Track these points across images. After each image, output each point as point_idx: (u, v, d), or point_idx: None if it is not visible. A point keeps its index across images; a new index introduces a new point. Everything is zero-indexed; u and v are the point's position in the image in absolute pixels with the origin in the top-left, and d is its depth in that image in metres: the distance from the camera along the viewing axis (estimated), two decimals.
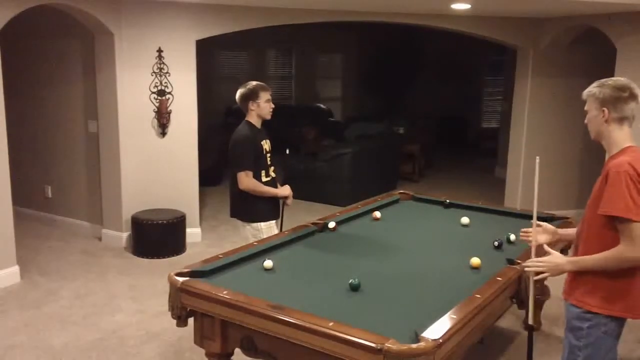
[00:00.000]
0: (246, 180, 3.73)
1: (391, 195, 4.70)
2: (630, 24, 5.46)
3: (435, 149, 10.38)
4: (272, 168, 3.92)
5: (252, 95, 3.77)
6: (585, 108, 2.42)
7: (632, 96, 2.31)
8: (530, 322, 2.81)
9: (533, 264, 2.53)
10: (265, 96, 3.78)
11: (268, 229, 3.84)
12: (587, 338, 2.38)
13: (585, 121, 2.44)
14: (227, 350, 2.76)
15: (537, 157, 2.70)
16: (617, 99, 2.31)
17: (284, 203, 3.96)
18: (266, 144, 3.87)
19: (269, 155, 3.88)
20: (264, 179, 3.81)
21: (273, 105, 3.85)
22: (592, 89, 2.38)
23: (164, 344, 3.89)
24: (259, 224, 3.81)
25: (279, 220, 4.02)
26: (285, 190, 3.92)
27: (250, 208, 3.82)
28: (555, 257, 2.47)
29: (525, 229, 2.82)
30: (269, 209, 3.88)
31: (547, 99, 6.68)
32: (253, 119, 3.82)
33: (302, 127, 10.06)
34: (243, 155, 3.73)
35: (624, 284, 2.32)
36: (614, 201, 2.22)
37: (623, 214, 2.19)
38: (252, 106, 3.78)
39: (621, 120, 2.33)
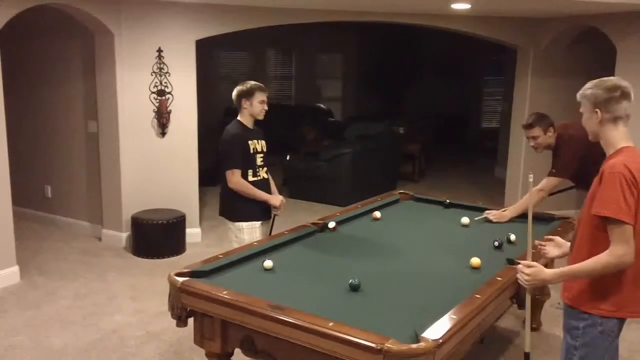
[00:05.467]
0: (233, 179, 3.72)
1: (391, 195, 4.70)
2: (630, 24, 5.46)
3: (435, 149, 10.37)
4: (265, 169, 3.88)
5: (246, 94, 3.76)
6: (580, 110, 2.41)
7: (624, 95, 2.29)
8: (527, 349, 2.73)
9: (521, 276, 2.46)
10: (259, 97, 3.77)
11: (250, 230, 3.79)
12: (582, 338, 2.36)
13: (582, 123, 2.44)
14: (227, 350, 2.76)
15: (530, 174, 2.67)
16: (609, 99, 2.29)
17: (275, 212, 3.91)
18: (258, 144, 3.84)
19: (260, 155, 3.84)
20: (250, 178, 3.78)
21: (266, 107, 3.82)
22: (585, 90, 2.37)
23: (164, 344, 3.89)
24: (240, 223, 3.79)
25: (269, 224, 3.95)
26: (275, 200, 3.83)
27: (235, 207, 3.81)
28: (539, 271, 2.42)
29: (541, 242, 2.78)
30: (254, 210, 3.81)
31: (547, 99, 6.67)
32: (245, 118, 3.82)
33: (302, 127, 10.06)
34: (229, 153, 3.73)
35: (612, 283, 2.29)
36: (606, 202, 2.20)
37: (614, 215, 2.17)
38: (244, 104, 3.78)
39: (615, 120, 2.31)
